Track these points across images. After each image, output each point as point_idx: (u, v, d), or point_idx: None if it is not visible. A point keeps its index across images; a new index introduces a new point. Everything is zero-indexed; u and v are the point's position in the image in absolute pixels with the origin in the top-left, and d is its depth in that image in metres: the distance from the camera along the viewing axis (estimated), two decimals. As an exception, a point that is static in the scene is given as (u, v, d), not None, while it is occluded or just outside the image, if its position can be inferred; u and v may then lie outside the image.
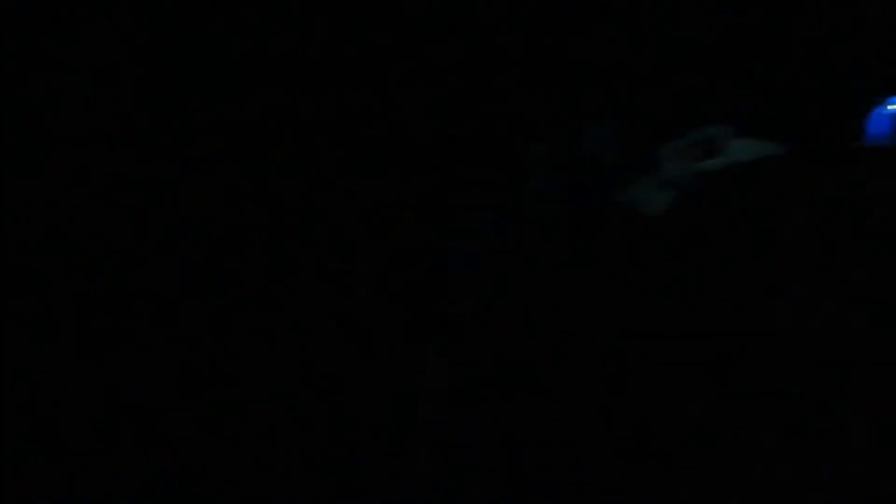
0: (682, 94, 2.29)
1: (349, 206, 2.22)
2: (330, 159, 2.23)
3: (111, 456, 1.79)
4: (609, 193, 2.16)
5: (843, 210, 1.44)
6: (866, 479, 1.27)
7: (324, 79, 2.28)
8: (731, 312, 1.34)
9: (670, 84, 2.31)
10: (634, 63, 2.38)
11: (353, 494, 1.80)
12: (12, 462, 1.74)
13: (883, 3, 2.17)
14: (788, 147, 2.07)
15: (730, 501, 1.33)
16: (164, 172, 2.10)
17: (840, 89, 2.23)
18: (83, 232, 1.99)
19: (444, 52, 2.39)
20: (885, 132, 2.05)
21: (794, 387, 1.35)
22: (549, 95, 2.44)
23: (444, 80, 2.39)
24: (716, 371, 1.36)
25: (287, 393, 1.92)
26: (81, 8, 2.05)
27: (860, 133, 2.09)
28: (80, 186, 2.00)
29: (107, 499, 1.73)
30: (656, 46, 2.36)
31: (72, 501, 1.73)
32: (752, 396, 1.37)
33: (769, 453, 1.31)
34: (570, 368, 1.44)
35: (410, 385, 1.85)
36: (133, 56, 2.09)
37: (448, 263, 2.14)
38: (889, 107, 2.04)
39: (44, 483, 1.67)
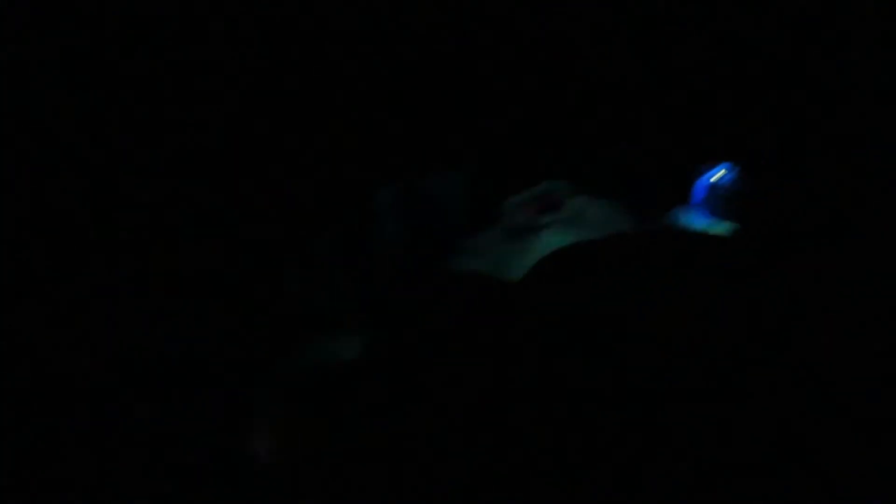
0: (528, 149, 2.40)
1: (196, 254, 2.16)
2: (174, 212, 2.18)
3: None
4: (454, 242, 2.21)
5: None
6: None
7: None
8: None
9: (516, 139, 2.42)
10: (483, 115, 2.47)
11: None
12: None
13: (714, 78, 2.36)
14: (624, 207, 2.21)
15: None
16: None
17: (671, 157, 2.40)
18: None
19: (299, 95, 2.41)
20: (704, 200, 2.22)
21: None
22: (398, 144, 2.48)
23: (295, 126, 2.41)
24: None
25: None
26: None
27: (686, 199, 2.25)
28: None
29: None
30: (504, 101, 2.46)
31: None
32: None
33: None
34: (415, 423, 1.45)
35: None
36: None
37: (296, 310, 2.11)
38: (712, 178, 2.20)
39: None
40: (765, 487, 1.29)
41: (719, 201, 2.23)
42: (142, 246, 2.22)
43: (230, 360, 2.10)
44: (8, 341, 1.91)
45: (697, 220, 2.26)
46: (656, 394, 1.35)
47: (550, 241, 2.04)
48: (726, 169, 2.23)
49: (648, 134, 2.55)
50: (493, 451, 1.39)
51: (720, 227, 2.22)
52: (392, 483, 1.42)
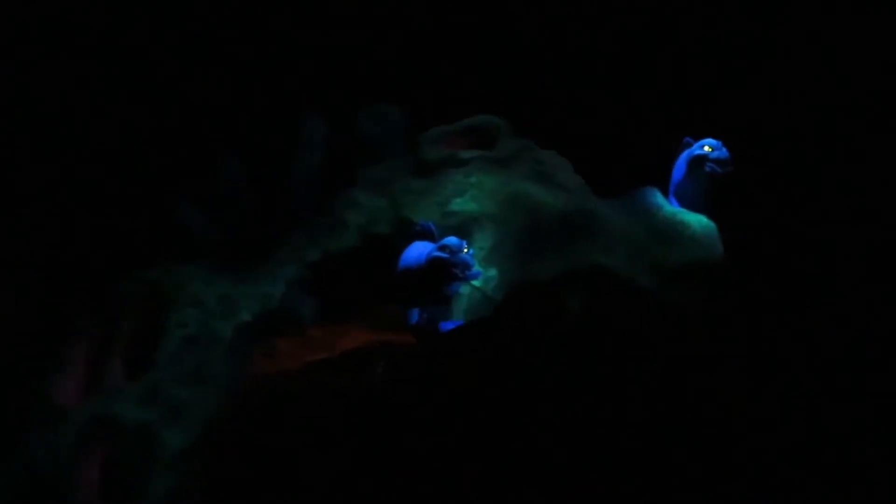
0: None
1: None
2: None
3: None
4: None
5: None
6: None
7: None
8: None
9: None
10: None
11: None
12: None
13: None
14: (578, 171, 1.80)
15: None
16: None
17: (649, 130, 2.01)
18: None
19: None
20: (684, 177, 1.79)
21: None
22: (329, 77, 2.20)
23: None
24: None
25: None
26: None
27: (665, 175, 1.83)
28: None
29: None
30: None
31: None
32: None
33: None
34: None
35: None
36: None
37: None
38: (705, 147, 1.77)
39: None
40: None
41: (703, 179, 1.77)
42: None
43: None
44: None
45: (669, 204, 1.81)
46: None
47: (466, 180, 1.63)
48: (714, 146, 1.79)
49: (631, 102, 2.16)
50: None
51: (692, 217, 1.77)
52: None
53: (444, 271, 1.46)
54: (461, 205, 1.58)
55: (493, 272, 1.53)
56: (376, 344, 1.66)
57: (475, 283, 1.50)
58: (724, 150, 1.77)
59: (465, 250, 1.46)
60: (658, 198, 1.81)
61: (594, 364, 1.59)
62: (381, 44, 2.21)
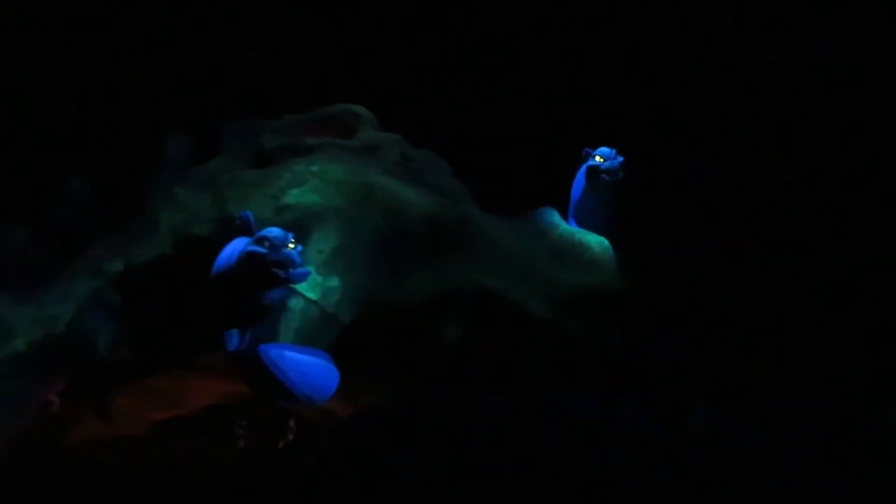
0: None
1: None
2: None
3: None
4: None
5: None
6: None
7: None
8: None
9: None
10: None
11: None
12: None
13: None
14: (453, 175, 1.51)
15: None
16: None
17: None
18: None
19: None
20: (582, 189, 1.57)
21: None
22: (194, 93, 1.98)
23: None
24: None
25: None
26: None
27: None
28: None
29: None
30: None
31: None
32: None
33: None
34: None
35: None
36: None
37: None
38: (597, 158, 1.55)
39: None
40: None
41: (600, 191, 1.53)
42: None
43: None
44: None
45: (567, 224, 1.54)
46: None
47: (308, 168, 1.29)
48: (606, 155, 1.55)
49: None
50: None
51: (591, 238, 1.50)
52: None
53: (260, 271, 1.12)
54: (298, 197, 1.25)
55: (334, 281, 1.20)
56: (231, 397, 1.38)
57: (304, 289, 1.16)
58: (618, 157, 1.58)
59: (292, 245, 1.13)
60: (555, 217, 1.59)
61: (475, 407, 1.30)
62: (251, 58, 1.99)
